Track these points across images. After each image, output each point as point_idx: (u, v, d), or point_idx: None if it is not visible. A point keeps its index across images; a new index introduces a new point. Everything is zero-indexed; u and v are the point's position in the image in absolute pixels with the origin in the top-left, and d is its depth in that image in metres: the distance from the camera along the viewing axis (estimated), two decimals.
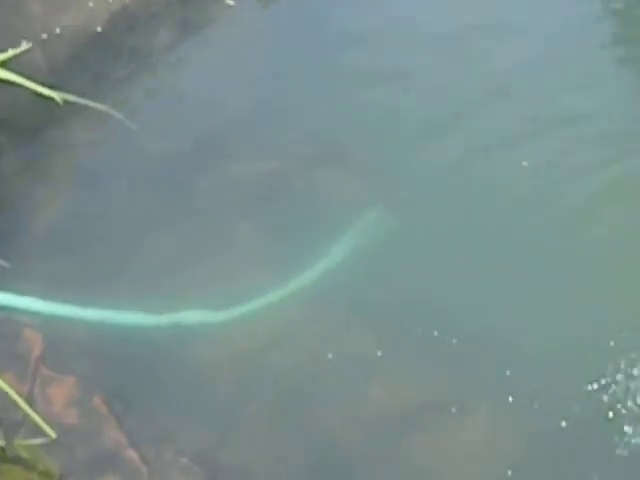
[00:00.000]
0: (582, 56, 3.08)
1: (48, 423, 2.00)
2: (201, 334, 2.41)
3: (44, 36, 2.85)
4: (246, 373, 2.37)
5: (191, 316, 2.44)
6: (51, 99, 2.56)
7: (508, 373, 2.36)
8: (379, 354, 2.39)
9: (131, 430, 2.19)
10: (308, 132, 2.86)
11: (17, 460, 2.03)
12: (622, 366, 2.34)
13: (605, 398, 2.29)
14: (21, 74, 2.59)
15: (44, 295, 2.38)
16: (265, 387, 2.35)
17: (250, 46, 3.03)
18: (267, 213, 2.66)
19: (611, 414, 2.27)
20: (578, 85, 2.95)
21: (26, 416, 2.06)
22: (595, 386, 2.31)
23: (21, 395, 1.99)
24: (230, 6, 2.79)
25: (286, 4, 3.24)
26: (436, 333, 2.42)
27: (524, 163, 2.75)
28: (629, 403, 2.29)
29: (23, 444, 2.04)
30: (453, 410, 2.30)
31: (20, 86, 2.56)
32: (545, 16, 3.20)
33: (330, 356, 2.39)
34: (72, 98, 2.58)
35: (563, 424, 2.26)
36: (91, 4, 2.95)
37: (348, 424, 2.30)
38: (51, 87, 2.57)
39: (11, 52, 2.65)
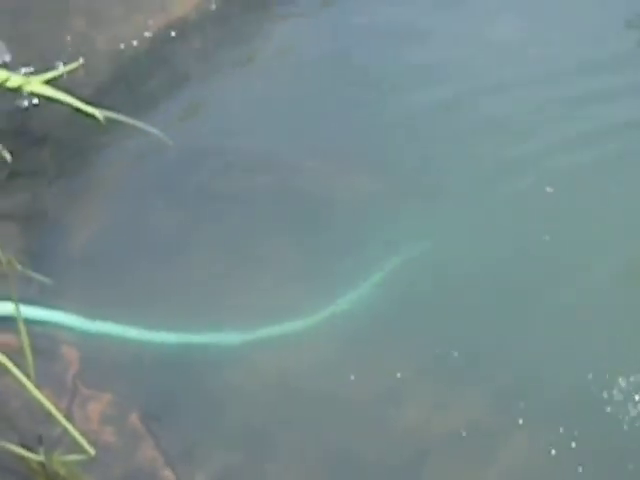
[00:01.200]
0: None
1: (86, 440, 1.99)
2: (236, 356, 2.40)
3: (85, 52, 2.86)
4: (279, 397, 2.35)
5: (224, 336, 2.44)
6: (92, 116, 2.57)
7: (543, 401, 2.33)
8: (410, 381, 2.38)
9: (167, 449, 2.19)
10: (345, 150, 2.86)
11: (55, 476, 2.02)
12: None
13: None
14: (62, 90, 2.60)
15: (81, 312, 2.39)
16: (300, 412, 2.33)
17: (289, 65, 3.03)
18: (304, 233, 2.66)
19: None
20: None
21: (64, 433, 2.05)
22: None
23: (59, 411, 1.98)
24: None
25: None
26: (469, 361, 2.40)
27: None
28: None
29: (62, 460, 2.03)
30: (487, 438, 2.29)
31: (61, 102, 2.58)
32: None
33: (360, 381, 2.37)
34: (113, 115, 2.59)
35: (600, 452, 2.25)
36: (133, 21, 2.97)
37: (379, 450, 2.28)
38: (92, 104, 2.58)
39: (59, 70, 2.67)
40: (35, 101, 2.68)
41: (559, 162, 2.80)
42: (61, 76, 2.68)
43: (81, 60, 2.76)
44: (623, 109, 2.95)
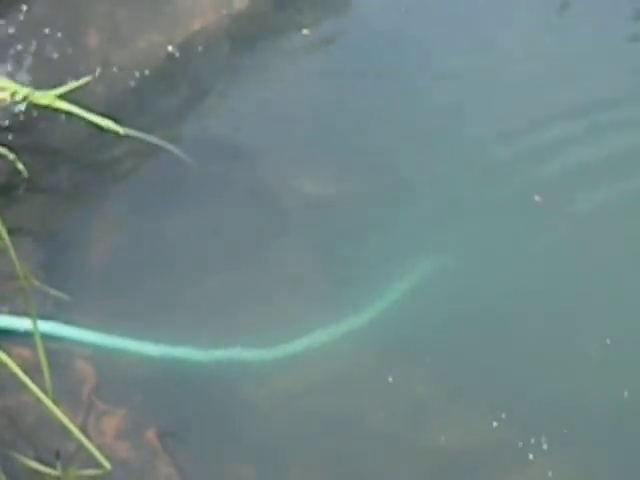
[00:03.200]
0: None
1: (101, 455, 1.98)
2: (253, 372, 2.39)
3: (102, 69, 2.87)
4: (296, 414, 2.35)
5: (244, 353, 2.43)
6: (109, 131, 2.57)
7: (568, 418, 2.33)
8: (432, 397, 2.37)
9: (183, 466, 2.18)
10: (366, 163, 2.86)
11: None
12: None
13: None
14: (79, 105, 2.61)
15: (98, 327, 2.39)
16: (316, 430, 2.33)
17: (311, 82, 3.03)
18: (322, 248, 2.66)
19: None
20: None
21: (79, 448, 2.05)
22: None
23: (74, 426, 1.98)
24: (305, 35, 2.80)
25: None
26: (491, 377, 2.40)
27: None
28: None
29: (78, 475, 2.03)
30: (511, 455, 2.28)
31: (77, 117, 2.58)
32: None
33: (381, 398, 2.37)
34: (129, 131, 2.60)
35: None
36: (149, 38, 2.98)
37: (395, 470, 2.28)
38: (110, 119, 2.59)
39: (71, 85, 2.68)
40: (49, 115, 2.68)
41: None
42: (76, 91, 2.70)
43: (93, 76, 2.78)
44: None
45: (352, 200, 2.77)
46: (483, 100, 3.00)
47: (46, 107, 2.58)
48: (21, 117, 2.73)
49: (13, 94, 2.53)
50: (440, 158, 2.86)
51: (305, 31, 2.85)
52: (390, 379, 2.39)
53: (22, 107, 2.71)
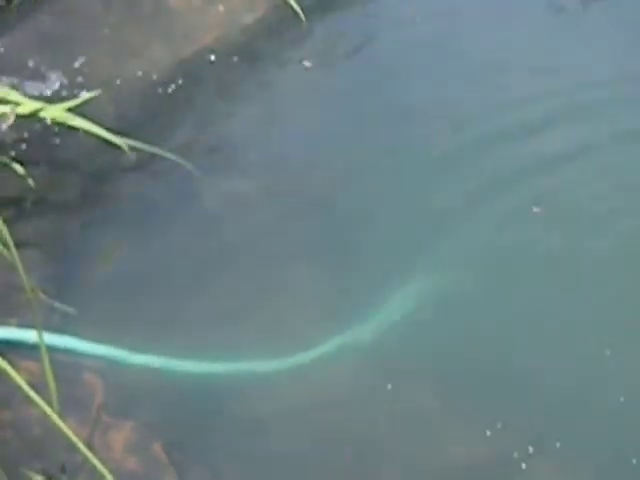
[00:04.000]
0: None
1: (107, 469, 1.98)
2: (261, 385, 2.39)
3: (111, 83, 2.89)
4: (304, 427, 2.34)
5: (250, 365, 2.43)
6: (117, 145, 2.59)
7: (578, 430, 2.33)
8: (440, 410, 2.36)
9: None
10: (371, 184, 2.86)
11: None
12: None
13: None
14: (88, 120, 2.63)
15: (105, 341, 2.39)
16: (324, 441, 2.32)
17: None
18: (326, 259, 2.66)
19: None
20: None
21: (86, 461, 2.05)
22: None
23: (81, 439, 1.98)
24: (307, 68, 2.81)
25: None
26: (499, 388, 2.39)
27: None
28: None
29: None
30: (515, 470, 2.27)
31: (86, 131, 2.60)
32: None
33: (389, 410, 2.36)
34: (138, 145, 2.62)
35: None
36: (158, 52, 2.99)
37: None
38: (119, 133, 2.61)
39: (80, 99, 2.70)
40: (58, 128, 2.70)
41: None
42: (85, 105, 2.72)
43: (102, 90, 2.79)
44: None
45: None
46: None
47: (56, 122, 2.61)
48: (30, 130, 2.74)
49: (23, 108, 2.56)
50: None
51: (307, 63, 2.86)
52: (393, 392, 2.39)
53: (34, 122, 2.72)
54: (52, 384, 1.83)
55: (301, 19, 2.84)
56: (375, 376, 2.42)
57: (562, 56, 3.21)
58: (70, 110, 2.63)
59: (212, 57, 3.03)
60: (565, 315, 2.55)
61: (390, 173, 2.86)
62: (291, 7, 2.89)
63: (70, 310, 2.27)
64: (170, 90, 2.95)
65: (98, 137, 2.59)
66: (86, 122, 2.60)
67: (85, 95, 2.75)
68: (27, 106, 2.57)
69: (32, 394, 1.77)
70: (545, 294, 2.60)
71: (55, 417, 1.78)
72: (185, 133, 2.92)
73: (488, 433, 2.31)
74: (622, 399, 2.38)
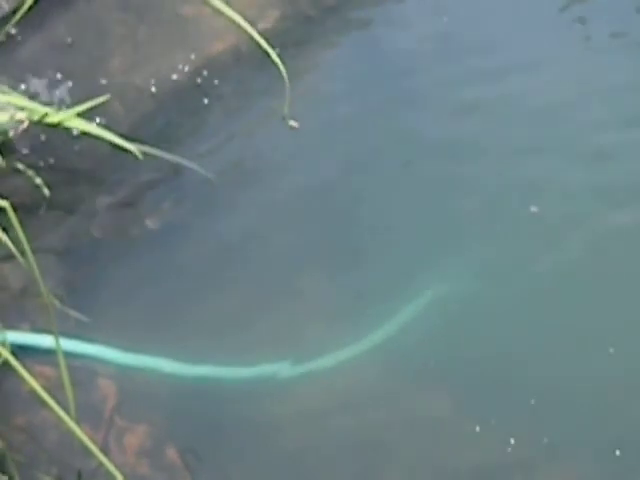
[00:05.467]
0: None
1: (121, 473, 1.99)
2: (276, 389, 2.40)
3: (123, 89, 2.90)
4: (318, 431, 2.35)
5: (263, 370, 2.44)
6: (129, 151, 2.60)
7: (593, 436, 2.33)
8: (455, 415, 2.37)
9: None
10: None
11: None
12: None
13: None
14: (102, 126, 2.64)
15: (119, 345, 2.40)
16: (337, 446, 2.33)
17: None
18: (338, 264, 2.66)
19: None
20: None
21: (100, 465, 2.06)
22: None
23: (95, 444, 1.99)
24: (294, 128, 2.83)
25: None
26: (513, 394, 2.40)
27: None
28: None
29: None
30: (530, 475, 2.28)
31: (99, 137, 2.61)
32: None
33: (402, 416, 2.37)
34: (151, 151, 2.62)
35: None
36: (171, 58, 3.00)
37: None
38: (130, 139, 2.61)
39: (89, 103, 2.71)
40: (70, 134, 2.71)
41: None
42: (98, 112, 2.73)
43: (114, 96, 2.80)
44: None
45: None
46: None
47: (67, 128, 2.62)
48: (42, 136, 2.75)
49: (35, 114, 2.57)
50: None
51: (293, 123, 2.87)
52: (407, 397, 2.40)
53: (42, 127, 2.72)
54: (69, 390, 1.84)
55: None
56: (389, 380, 2.43)
57: None
58: (81, 115, 2.64)
59: (225, 64, 3.04)
60: (582, 322, 2.56)
61: (406, 180, 2.87)
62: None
63: (83, 318, 2.28)
64: (184, 97, 2.96)
65: (111, 143, 2.60)
66: (98, 128, 2.61)
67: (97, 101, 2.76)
68: (39, 112, 2.58)
69: (49, 400, 1.78)
70: (563, 300, 2.60)
71: (71, 423, 1.79)
72: (200, 140, 2.92)
73: (504, 439, 2.32)
74: None
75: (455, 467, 2.29)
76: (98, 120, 2.74)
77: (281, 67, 2.48)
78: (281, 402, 2.37)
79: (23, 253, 1.92)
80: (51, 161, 2.73)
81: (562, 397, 2.40)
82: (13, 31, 2.84)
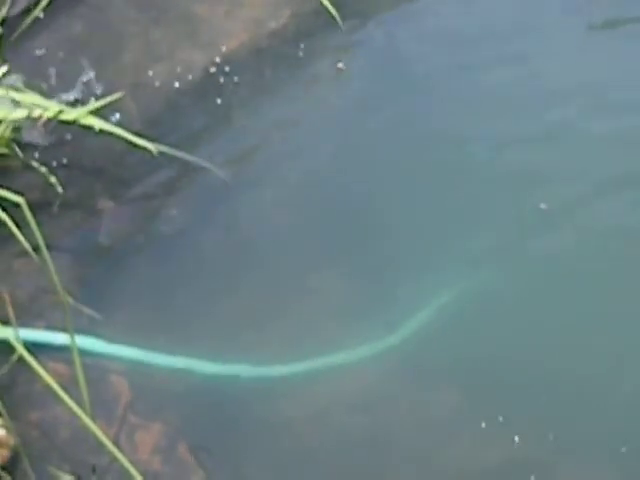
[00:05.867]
0: None
1: (134, 470, 2.00)
2: (288, 387, 2.40)
3: (137, 86, 2.90)
4: (330, 429, 2.35)
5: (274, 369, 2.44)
6: (143, 148, 2.61)
7: (607, 435, 2.32)
8: (465, 413, 2.37)
9: None
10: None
11: None
12: None
13: None
14: (115, 123, 2.65)
15: (131, 343, 2.41)
16: (349, 445, 2.33)
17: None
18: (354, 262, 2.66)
19: None
20: None
21: (112, 462, 2.07)
22: None
23: (108, 441, 2.00)
24: (341, 70, 2.82)
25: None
26: (525, 393, 2.40)
27: None
28: None
29: None
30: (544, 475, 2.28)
31: (114, 135, 2.62)
32: None
33: (415, 415, 2.37)
34: (166, 149, 2.63)
35: None
36: (184, 56, 3.00)
37: None
38: (144, 137, 2.62)
39: (102, 101, 2.72)
40: (83, 131, 2.71)
41: None
42: (112, 110, 2.74)
43: (128, 94, 2.81)
44: None
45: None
46: None
47: (82, 125, 2.63)
48: (55, 134, 2.75)
49: (49, 111, 2.58)
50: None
51: (340, 64, 2.85)
52: (419, 397, 2.40)
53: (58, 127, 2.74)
54: (84, 386, 1.85)
55: (337, 23, 2.83)
56: (400, 379, 2.44)
57: None
58: (94, 113, 2.65)
59: (238, 62, 3.04)
60: (595, 318, 2.55)
61: (422, 179, 2.87)
62: (329, 12, 2.89)
63: (96, 315, 2.29)
64: (196, 95, 2.96)
65: (125, 140, 2.61)
66: (111, 125, 2.62)
67: (110, 99, 2.77)
68: (52, 109, 2.59)
69: (64, 396, 1.79)
70: (578, 297, 2.60)
71: (86, 419, 1.80)
72: (212, 139, 2.92)
73: (514, 438, 2.32)
74: None
75: (468, 466, 2.30)
76: (112, 118, 2.74)
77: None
78: (293, 400, 2.38)
79: (37, 250, 1.93)
80: (65, 159, 2.73)
81: (574, 395, 2.41)
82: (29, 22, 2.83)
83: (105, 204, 2.71)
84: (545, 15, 3.28)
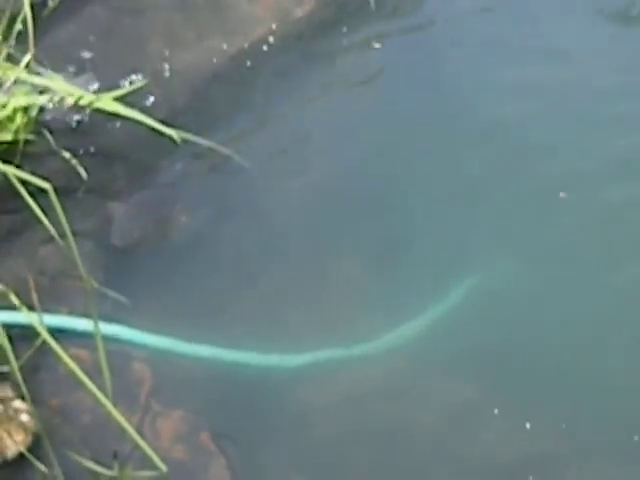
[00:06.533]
0: None
1: (156, 457, 2.00)
2: (309, 376, 2.40)
3: (161, 73, 2.90)
4: (350, 419, 2.35)
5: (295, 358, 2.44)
6: (166, 136, 2.61)
7: (625, 429, 2.31)
8: (488, 406, 2.37)
9: (237, 469, 2.20)
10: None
11: None
12: None
13: None
14: (138, 110, 2.64)
15: (156, 330, 2.41)
16: (369, 434, 2.33)
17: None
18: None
19: None
20: None
21: (134, 449, 2.07)
22: None
23: (130, 428, 2.00)
24: (376, 48, 2.80)
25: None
26: (541, 388, 2.40)
27: None
28: None
29: (134, 476, 2.05)
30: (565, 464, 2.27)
31: (137, 122, 2.62)
32: None
33: (436, 405, 2.37)
34: (188, 136, 2.63)
35: None
36: (209, 44, 3.00)
37: (453, 474, 2.28)
38: (167, 124, 2.62)
39: (126, 88, 2.73)
40: (108, 118, 2.72)
41: None
42: (136, 97, 2.74)
43: (152, 81, 2.81)
44: None
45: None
46: None
47: (106, 112, 2.64)
48: (80, 120, 2.76)
49: (73, 98, 2.58)
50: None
51: (376, 44, 2.83)
52: (439, 387, 2.40)
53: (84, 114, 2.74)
54: (107, 372, 1.85)
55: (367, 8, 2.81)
56: (419, 370, 2.43)
57: None
58: (118, 100, 2.65)
59: (266, 48, 3.04)
60: (613, 311, 2.55)
61: (449, 168, 2.86)
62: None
63: (122, 299, 2.28)
64: (223, 82, 2.96)
65: (148, 127, 2.61)
66: (135, 112, 2.62)
67: (135, 86, 2.77)
68: (77, 95, 2.60)
69: (87, 382, 1.79)
70: (595, 289, 2.59)
71: (109, 405, 1.80)
72: (238, 126, 2.92)
73: (531, 429, 2.32)
74: None
75: (488, 456, 2.30)
76: (137, 105, 2.73)
77: None
78: (316, 389, 2.38)
79: (62, 236, 1.93)
80: (89, 145, 2.73)
81: (599, 390, 2.41)
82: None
83: (128, 191, 2.72)
84: None
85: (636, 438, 2.30)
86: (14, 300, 2.00)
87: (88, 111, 2.70)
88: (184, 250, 2.63)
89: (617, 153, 2.86)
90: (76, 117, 2.74)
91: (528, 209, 2.76)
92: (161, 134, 2.59)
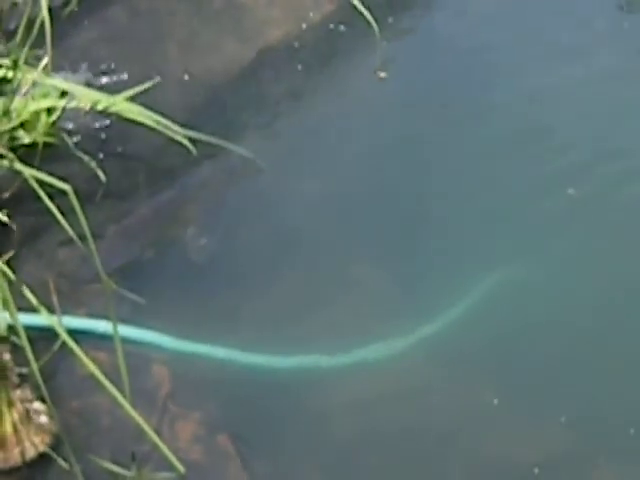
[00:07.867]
0: None
1: (174, 458, 2.01)
2: (327, 378, 2.41)
3: (179, 77, 2.91)
4: (368, 420, 2.35)
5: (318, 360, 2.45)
6: (186, 139, 2.61)
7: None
8: (501, 409, 2.36)
9: (255, 471, 2.20)
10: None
11: None
12: None
13: None
14: (157, 113, 2.65)
15: (172, 332, 2.42)
16: (387, 435, 2.33)
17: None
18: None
19: None
20: None
21: (152, 451, 2.08)
22: None
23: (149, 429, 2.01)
24: (382, 79, 2.81)
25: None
26: (560, 390, 2.39)
27: None
28: None
29: (152, 477, 2.06)
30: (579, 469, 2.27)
31: (149, 127, 2.62)
32: None
33: (451, 408, 2.37)
34: (206, 138, 2.64)
35: None
36: (226, 48, 3.01)
37: (468, 475, 2.28)
38: (186, 126, 2.62)
39: (138, 88, 2.73)
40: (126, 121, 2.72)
41: None
42: (154, 101, 2.75)
43: (170, 84, 2.82)
44: None
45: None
46: None
47: (122, 115, 2.64)
48: (98, 123, 2.77)
49: (92, 100, 2.60)
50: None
51: (382, 74, 2.85)
52: (456, 389, 2.40)
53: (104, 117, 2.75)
54: (125, 374, 1.86)
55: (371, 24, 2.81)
56: (439, 371, 2.43)
57: None
58: (131, 100, 2.66)
59: (281, 53, 3.05)
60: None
61: (460, 174, 2.86)
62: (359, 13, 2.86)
63: (140, 300, 2.29)
64: (240, 85, 2.97)
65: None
66: (150, 114, 2.62)
67: (152, 90, 2.78)
68: (96, 98, 2.61)
69: (107, 383, 1.80)
70: (614, 288, 2.59)
71: (128, 406, 1.81)
72: (255, 129, 2.93)
73: (547, 431, 2.32)
74: None
75: (506, 458, 2.29)
76: (154, 109, 2.74)
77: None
78: (333, 391, 2.38)
79: (82, 238, 1.94)
80: (108, 148, 2.75)
81: (622, 392, 2.40)
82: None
83: (147, 193, 2.73)
84: None
85: None
86: (34, 302, 2.01)
87: (107, 114, 2.71)
88: (200, 252, 2.65)
89: None
90: (96, 120, 2.76)
91: (548, 213, 2.76)
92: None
